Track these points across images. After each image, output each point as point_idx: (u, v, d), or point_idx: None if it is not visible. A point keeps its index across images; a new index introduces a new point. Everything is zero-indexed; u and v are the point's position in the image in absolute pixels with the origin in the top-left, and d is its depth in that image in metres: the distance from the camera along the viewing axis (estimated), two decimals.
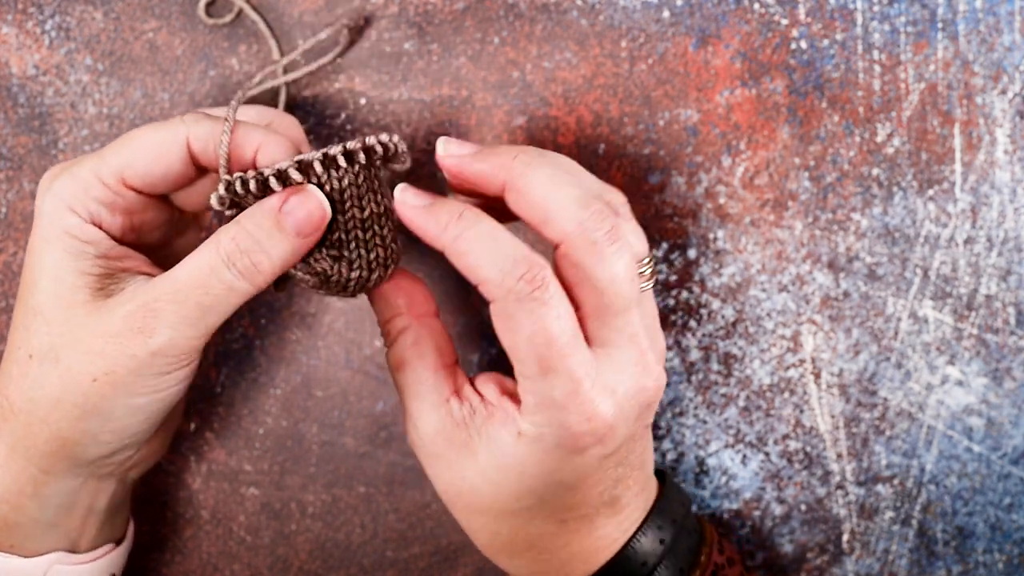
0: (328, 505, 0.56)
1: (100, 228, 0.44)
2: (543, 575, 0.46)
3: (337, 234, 0.44)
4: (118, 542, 0.50)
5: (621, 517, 0.46)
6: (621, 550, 0.45)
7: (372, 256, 0.44)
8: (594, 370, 0.42)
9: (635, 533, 0.46)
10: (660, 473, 0.50)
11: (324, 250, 0.44)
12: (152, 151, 0.43)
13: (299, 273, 0.45)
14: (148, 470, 0.50)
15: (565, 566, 0.46)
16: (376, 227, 0.44)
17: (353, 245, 0.44)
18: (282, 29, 0.53)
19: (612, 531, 0.46)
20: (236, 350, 0.55)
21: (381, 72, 0.53)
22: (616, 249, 0.42)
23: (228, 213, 0.44)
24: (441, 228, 0.42)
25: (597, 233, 0.42)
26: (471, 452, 0.44)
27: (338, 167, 0.43)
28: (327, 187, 0.43)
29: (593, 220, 0.42)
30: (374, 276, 0.45)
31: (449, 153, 0.44)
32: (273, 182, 0.42)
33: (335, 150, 0.43)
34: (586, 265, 0.42)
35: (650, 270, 0.44)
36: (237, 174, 0.43)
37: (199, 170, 0.45)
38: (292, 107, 0.53)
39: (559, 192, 0.42)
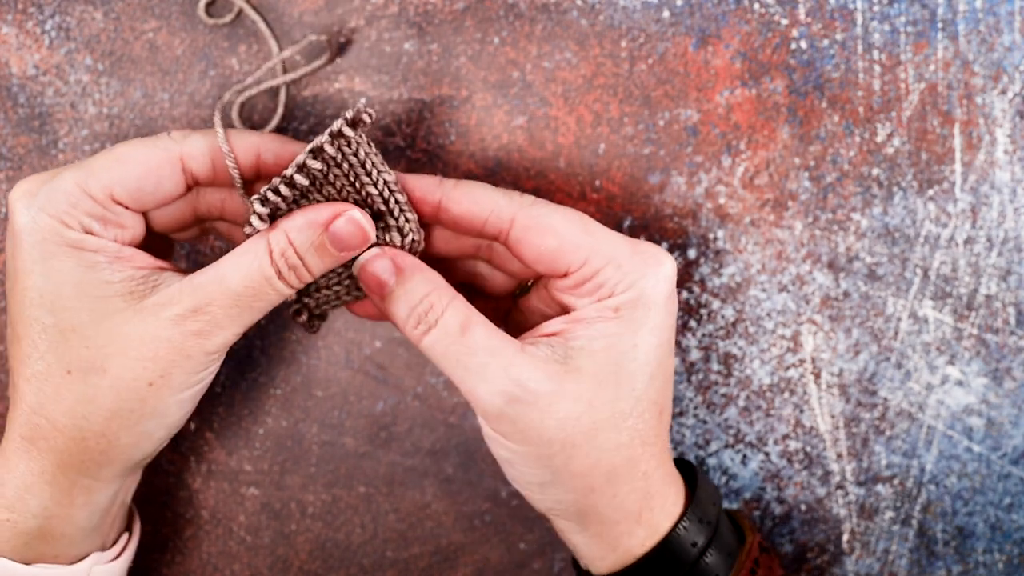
0: (328, 505, 0.56)
1: (94, 235, 0.43)
2: (598, 544, 0.46)
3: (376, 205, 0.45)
4: (128, 531, 0.50)
5: (649, 520, 0.46)
6: (669, 533, 0.45)
7: (408, 217, 0.46)
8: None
9: (680, 518, 0.46)
10: (688, 465, 0.50)
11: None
12: (144, 169, 0.43)
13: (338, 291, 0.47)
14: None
15: (622, 536, 0.45)
16: (397, 194, 0.45)
17: (396, 211, 0.45)
18: (282, 29, 0.53)
19: (644, 532, 0.46)
20: (236, 350, 0.55)
21: (381, 72, 0.53)
22: None
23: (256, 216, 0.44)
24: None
25: None
26: (576, 371, 0.43)
27: (346, 137, 0.44)
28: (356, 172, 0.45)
29: None
30: (417, 239, 0.46)
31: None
32: (299, 178, 0.43)
33: (337, 123, 0.44)
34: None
35: None
36: (264, 189, 0.44)
37: (188, 188, 0.45)
38: (292, 107, 0.53)
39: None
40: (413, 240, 0.46)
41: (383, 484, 0.56)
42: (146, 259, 0.44)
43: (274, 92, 0.53)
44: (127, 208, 0.44)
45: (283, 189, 0.43)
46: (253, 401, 0.55)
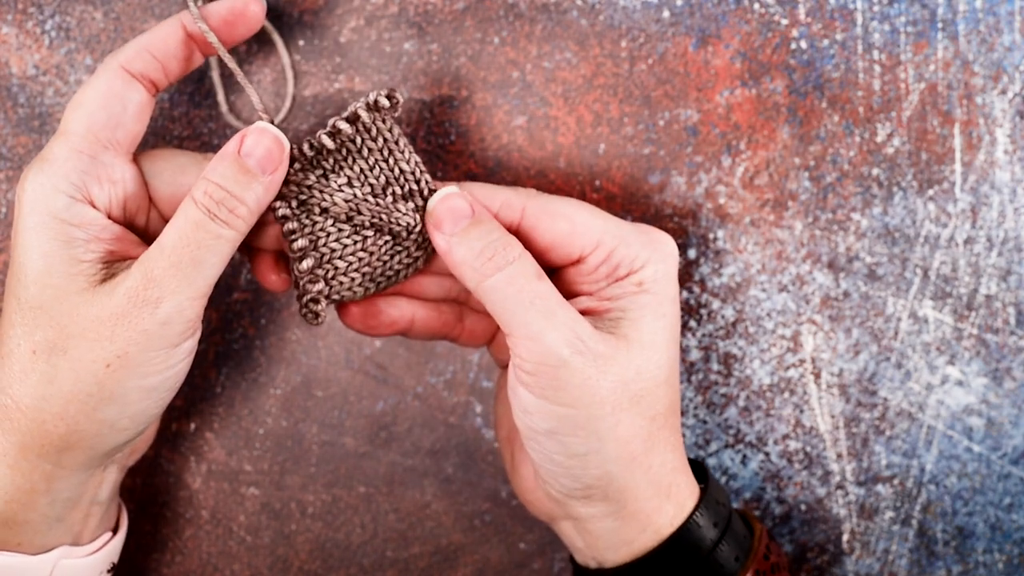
0: (328, 505, 0.56)
1: (91, 204, 0.43)
2: (629, 524, 0.46)
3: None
4: (114, 531, 0.50)
5: (676, 495, 0.46)
6: (682, 525, 0.46)
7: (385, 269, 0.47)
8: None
9: (692, 513, 0.46)
10: (699, 465, 0.50)
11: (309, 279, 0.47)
12: (103, 98, 0.44)
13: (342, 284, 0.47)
14: (141, 458, 0.51)
15: (653, 513, 0.46)
16: (427, 175, 0.47)
17: (427, 191, 0.47)
18: (282, 29, 0.53)
19: (672, 509, 0.46)
20: (236, 350, 0.55)
21: (381, 72, 0.53)
22: None
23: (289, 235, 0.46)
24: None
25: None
26: (625, 339, 0.45)
27: (380, 111, 0.45)
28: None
29: None
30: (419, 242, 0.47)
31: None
32: (327, 141, 0.44)
33: (373, 95, 0.45)
34: None
35: None
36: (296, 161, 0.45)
37: (156, 90, 0.46)
38: (292, 107, 0.53)
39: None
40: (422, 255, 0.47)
41: (383, 484, 0.56)
42: (129, 245, 0.44)
43: (277, 89, 0.53)
44: (117, 151, 0.44)
45: (307, 150, 0.44)
46: (253, 401, 0.55)
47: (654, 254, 0.46)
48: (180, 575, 0.56)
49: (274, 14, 0.53)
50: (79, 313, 0.42)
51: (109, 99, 0.44)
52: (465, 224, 0.45)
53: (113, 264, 0.43)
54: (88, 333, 0.42)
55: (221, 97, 0.46)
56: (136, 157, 0.46)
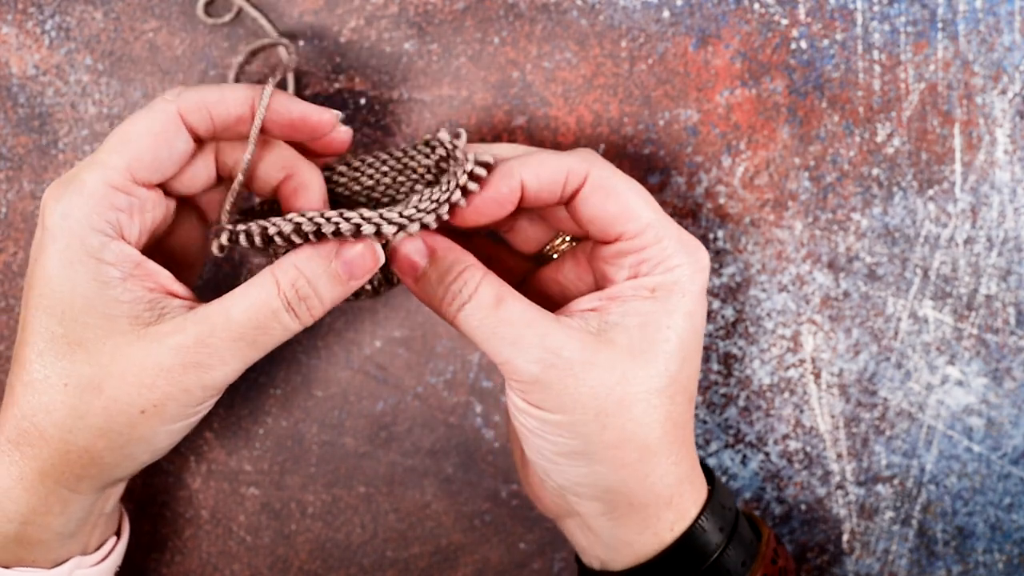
0: (328, 505, 0.56)
1: (122, 239, 0.43)
2: (625, 526, 0.46)
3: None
4: (117, 534, 0.50)
5: (679, 504, 0.46)
6: (687, 531, 0.46)
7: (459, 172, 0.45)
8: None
9: (698, 517, 0.46)
10: (706, 469, 0.50)
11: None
12: (151, 138, 0.43)
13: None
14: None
15: (650, 519, 0.45)
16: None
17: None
18: (282, 29, 0.53)
19: (673, 516, 0.46)
20: None
21: (381, 72, 0.53)
22: None
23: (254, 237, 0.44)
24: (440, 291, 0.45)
25: None
26: (610, 343, 0.44)
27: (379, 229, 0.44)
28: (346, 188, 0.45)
29: None
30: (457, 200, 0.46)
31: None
32: (279, 240, 0.43)
33: (388, 225, 0.43)
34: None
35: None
36: (252, 225, 0.43)
37: (198, 143, 0.45)
38: None
39: None
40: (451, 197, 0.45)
41: (383, 484, 0.56)
42: (161, 279, 0.44)
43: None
44: (149, 187, 0.44)
45: (290, 235, 0.43)
46: (253, 401, 0.55)
47: (681, 265, 0.45)
48: (180, 575, 0.56)
49: (275, 14, 0.53)
50: (121, 355, 0.42)
51: (159, 141, 0.43)
52: (423, 267, 0.45)
53: (157, 302, 0.43)
54: (128, 377, 0.42)
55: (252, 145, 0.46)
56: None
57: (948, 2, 0.53)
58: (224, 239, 0.43)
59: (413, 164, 0.47)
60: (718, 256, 0.54)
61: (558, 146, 0.53)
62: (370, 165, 0.47)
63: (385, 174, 0.47)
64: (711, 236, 0.54)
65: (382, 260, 0.44)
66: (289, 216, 0.43)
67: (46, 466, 0.43)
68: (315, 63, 0.53)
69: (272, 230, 0.43)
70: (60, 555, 0.46)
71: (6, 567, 0.44)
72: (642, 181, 0.54)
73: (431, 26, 0.53)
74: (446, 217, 0.44)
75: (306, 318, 0.43)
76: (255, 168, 0.46)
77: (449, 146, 0.45)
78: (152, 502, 0.56)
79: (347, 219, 0.42)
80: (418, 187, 0.47)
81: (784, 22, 0.53)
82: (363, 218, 0.42)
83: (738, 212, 0.54)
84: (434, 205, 0.43)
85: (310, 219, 0.42)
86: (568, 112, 0.53)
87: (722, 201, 0.54)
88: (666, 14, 0.53)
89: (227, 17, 0.52)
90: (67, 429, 0.42)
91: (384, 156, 0.47)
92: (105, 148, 0.43)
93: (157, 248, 0.47)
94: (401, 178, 0.47)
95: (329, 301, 0.43)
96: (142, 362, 0.42)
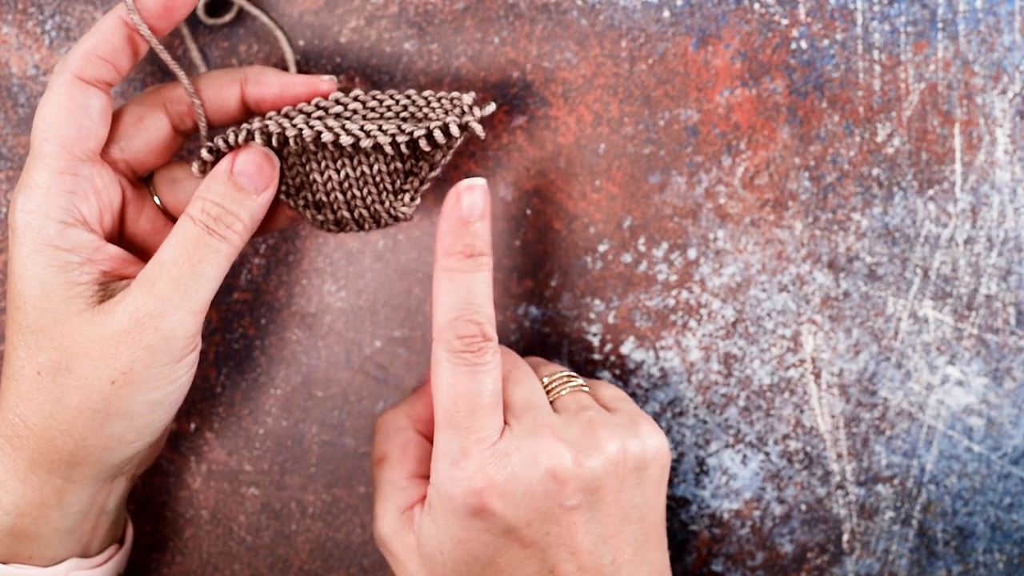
0: (328, 505, 0.56)
1: (83, 224, 0.44)
2: None
3: (318, 195, 0.47)
4: (120, 542, 0.50)
5: None
6: None
7: (355, 215, 0.47)
8: (495, 435, 0.44)
9: None
10: None
11: (305, 208, 0.47)
12: (66, 112, 0.44)
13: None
14: (149, 467, 0.51)
15: None
16: (357, 190, 0.46)
17: (335, 205, 0.47)
18: (281, 30, 0.53)
19: None
20: (236, 350, 0.55)
21: (381, 72, 0.53)
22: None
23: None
24: (450, 250, 0.45)
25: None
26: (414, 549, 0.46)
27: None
28: (294, 142, 0.45)
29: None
30: (365, 227, 0.48)
31: None
32: (258, 138, 0.45)
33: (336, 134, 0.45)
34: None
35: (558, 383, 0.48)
36: (223, 133, 0.45)
37: (109, 85, 0.46)
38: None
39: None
40: (369, 227, 0.47)
41: None
42: (123, 264, 0.45)
43: None
44: (95, 160, 0.45)
45: (233, 139, 0.45)
46: (253, 401, 0.55)
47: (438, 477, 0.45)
48: (180, 575, 0.56)
49: (274, 14, 0.53)
50: (81, 333, 0.43)
51: (73, 112, 0.44)
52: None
53: (108, 284, 0.44)
54: (92, 352, 0.42)
55: (165, 56, 0.46)
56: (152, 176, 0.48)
57: (948, 2, 0.53)
58: (204, 154, 0.46)
59: (419, 110, 0.47)
60: (718, 256, 0.54)
61: (558, 146, 0.53)
62: (377, 99, 0.47)
63: (390, 108, 0.47)
64: (711, 236, 0.54)
65: (276, 161, 0.46)
66: (248, 121, 0.46)
67: (35, 455, 0.44)
68: (315, 63, 0.53)
69: (233, 137, 0.45)
70: (58, 553, 0.46)
71: (3, 563, 0.44)
72: (642, 181, 0.54)
73: (431, 26, 0.53)
74: (407, 138, 0.45)
75: (231, 236, 0.44)
76: (205, 93, 0.47)
77: (466, 110, 0.45)
78: (152, 502, 0.56)
79: (291, 121, 0.45)
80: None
81: (784, 22, 0.53)
82: (316, 121, 0.45)
83: (738, 212, 0.54)
84: (406, 131, 0.45)
85: (266, 123, 0.45)
86: (568, 112, 0.53)
87: (722, 201, 0.54)
88: (666, 14, 0.53)
89: (227, 17, 0.52)
90: (47, 415, 0.43)
91: (393, 98, 0.47)
92: (35, 141, 0.44)
93: (127, 235, 0.48)
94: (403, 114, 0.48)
95: (246, 215, 0.45)
96: (100, 334, 0.42)
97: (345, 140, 0.44)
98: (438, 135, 0.45)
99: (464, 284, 0.45)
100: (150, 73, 0.53)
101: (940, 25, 0.53)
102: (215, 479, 0.56)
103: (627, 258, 0.54)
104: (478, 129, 0.45)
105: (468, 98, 0.46)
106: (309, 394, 0.55)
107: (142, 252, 0.48)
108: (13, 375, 0.44)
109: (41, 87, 0.53)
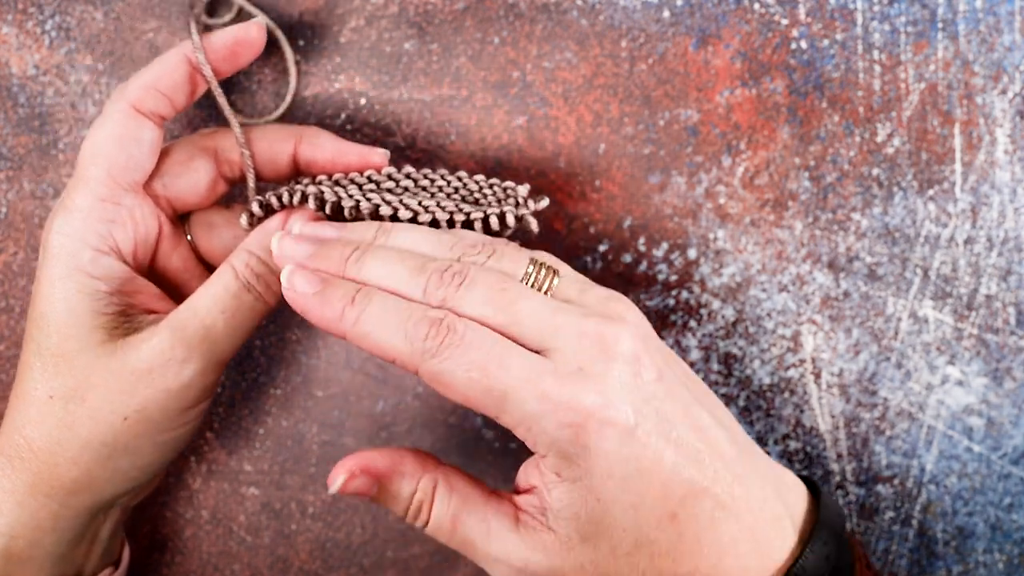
0: (328, 505, 0.56)
1: (116, 253, 0.44)
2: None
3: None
4: (115, 564, 0.50)
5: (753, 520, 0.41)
6: (792, 565, 0.41)
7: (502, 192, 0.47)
8: (543, 364, 0.39)
9: (804, 547, 0.41)
10: (809, 482, 0.46)
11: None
12: (118, 141, 0.44)
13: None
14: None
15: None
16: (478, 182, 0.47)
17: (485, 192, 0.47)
18: (282, 30, 0.53)
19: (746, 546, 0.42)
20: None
21: (381, 72, 0.53)
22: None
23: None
24: (337, 316, 0.40)
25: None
26: (563, 543, 0.41)
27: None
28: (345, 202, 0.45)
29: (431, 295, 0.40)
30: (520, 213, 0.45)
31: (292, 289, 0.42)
32: (311, 203, 0.44)
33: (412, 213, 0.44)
34: None
35: (535, 276, 0.41)
36: (271, 193, 0.45)
37: (162, 120, 0.46)
38: (292, 107, 0.53)
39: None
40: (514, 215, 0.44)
41: None
42: (150, 298, 0.45)
43: (277, 89, 0.53)
44: (137, 190, 0.45)
45: (287, 199, 0.45)
46: (253, 401, 0.55)
47: (559, 435, 0.38)
48: (180, 575, 0.56)
49: (274, 14, 0.53)
50: (101, 365, 0.42)
51: (125, 142, 0.44)
52: (373, 494, 0.43)
53: (134, 317, 0.44)
54: (110, 385, 0.42)
55: (222, 101, 0.46)
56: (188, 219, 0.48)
57: (948, 2, 0.53)
58: (254, 208, 0.45)
59: (470, 195, 0.47)
60: (718, 256, 0.54)
61: (558, 146, 0.53)
62: (429, 180, 0.47)
63: (441, 189, 0.47)
64: (711, 236, 0.54)
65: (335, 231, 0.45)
66: (305, 180, 0.45)
67: (35, 479, 0.43)
68: (315, 63, 0.53)
69: (287, 198, 0.44)
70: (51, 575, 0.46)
71: None
72: (642, 181, 0.54)
73: (431, 26, 0.53)
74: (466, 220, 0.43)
75: (268, 294, 0.44)
76: (257, 145, 0.47)
77: (521, 202, 0.45)
78: (152, 502, 0.56)
79: (346, 191, 0.44)
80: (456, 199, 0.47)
81: (784, 22, 0.53)
82: (380, 200, 0.44)
83: (738, 212, 0.54)
84: (463, 211, 0.43)
85: (322, 189, 0.44)
86: (568, 112, 0.53)
87: (722, 201, 0.54)
88: (666, 14, 0.53)
89: (227, 17, 0.52)
90: (55, 441, 0.43)
91: (444, 178, 0.47)
92: (82, 164, 0.44)
93: (157, 269, 0.48)
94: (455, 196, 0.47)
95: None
96: (120, 370, 0.42)
97: (404, 215, 0.43)
98: (493, 221, 0.44)
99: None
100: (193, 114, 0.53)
101: (940, 25, 0.53)
102: (215, 479, 0.56)
103: (627, 258, 0.54)
104: (533, 224, 0.44)
105: (523, 189, 0.45)
106: (309, 394, 0.55)
107: (170, 288, 0.48)
108: (24, 395, 0.43)
109: (41, 87, 0.53)
